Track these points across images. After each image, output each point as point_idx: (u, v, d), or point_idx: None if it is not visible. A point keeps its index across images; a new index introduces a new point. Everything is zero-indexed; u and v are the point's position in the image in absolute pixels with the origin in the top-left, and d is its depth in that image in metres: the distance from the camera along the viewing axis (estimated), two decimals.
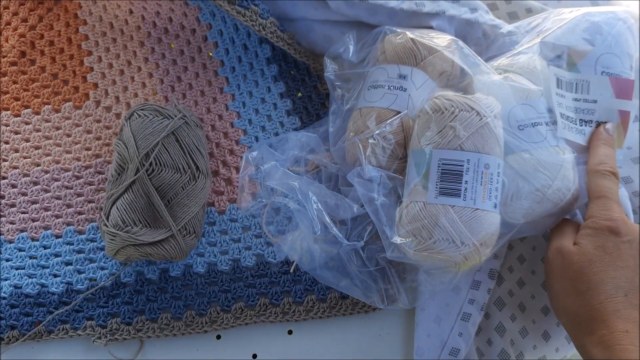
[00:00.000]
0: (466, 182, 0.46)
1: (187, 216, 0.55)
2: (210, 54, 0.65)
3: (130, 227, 0.53)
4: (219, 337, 0.56)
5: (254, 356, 0.55)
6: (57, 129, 0.63)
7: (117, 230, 0.53)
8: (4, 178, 0.61)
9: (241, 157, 0.61)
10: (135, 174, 0.54)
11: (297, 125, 0.62)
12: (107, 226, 0.54)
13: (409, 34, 0.54)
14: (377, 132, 0.51)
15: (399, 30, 0.56)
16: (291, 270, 0.56)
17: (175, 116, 0.57)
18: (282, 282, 0.56)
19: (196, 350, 0.55)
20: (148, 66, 0.65)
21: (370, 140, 0.51)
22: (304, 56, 0.63)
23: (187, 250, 0.55)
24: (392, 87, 0.53)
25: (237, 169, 0.61)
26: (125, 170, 0.56)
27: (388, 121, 0.52)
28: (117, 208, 0.54)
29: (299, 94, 0.63)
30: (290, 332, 0.56)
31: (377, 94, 0.54)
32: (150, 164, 0.54)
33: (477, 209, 0.46)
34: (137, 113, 0.57)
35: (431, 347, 0.53)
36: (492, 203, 0.47)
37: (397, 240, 0.47)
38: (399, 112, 0.52)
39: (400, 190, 0.50)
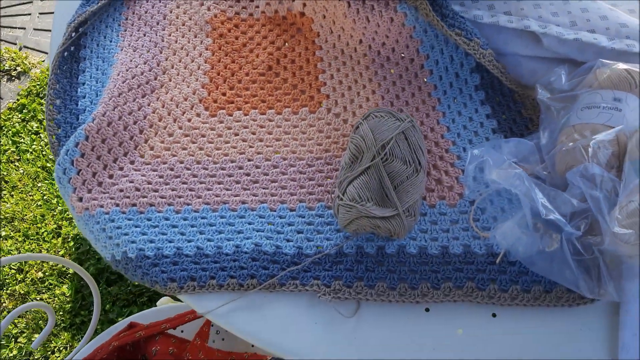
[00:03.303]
0: None
1: (410, 201, 0.64)
2: (425, 80, 0.77)
3: (364, 202, 0.63)
4: (427, 310, 0.63)
5: (460, 331, 0.61)
6: (295, 127, 0.76)
7: (354, 203, 0.63)
8: (250, 160, 0.73)
9: (450, 163, 0.70)
10: (372, 160, 0.64)
11: None
12: (343, 200, 0.64)
13: (622, 65, 0.63)
14: (598, 138, 0.58)
15: (610, 62, 0.64)
16: (497, 261, 0.63)
17: (405, 119, 0.67)
18: (488, 271, 0.63)
19: (407, 318, 0.62)
20: (372, 85, 0.77)
21: (592, 143, 0.58)
22: (513, 84, 0.72)
23: (408, 228, 0.63)
24: (606, 108, 0.61)
25: (446, 172, 0.70)
26: (359, 159, 0.66)
27: (605, 132, 0.59)
28: (353, 186, 0.64)
29: (504, 116, 0.72)
30: (494, 315, 0.62)
31: (592, 114, 0.62)
32: (385, 154, 0.64)
33: None
34: (373, 115, 0.68)
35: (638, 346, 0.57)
36: None
37: (618, 230, 0.53)
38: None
39: (617, 189, 0.56)
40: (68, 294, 1.71)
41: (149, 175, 0.73)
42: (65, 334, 1.66)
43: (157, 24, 0.86)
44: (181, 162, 0.74)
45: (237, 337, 1.05)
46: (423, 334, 0.61)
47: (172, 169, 0.73)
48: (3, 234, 1.83)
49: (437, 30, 0.73)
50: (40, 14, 2.44)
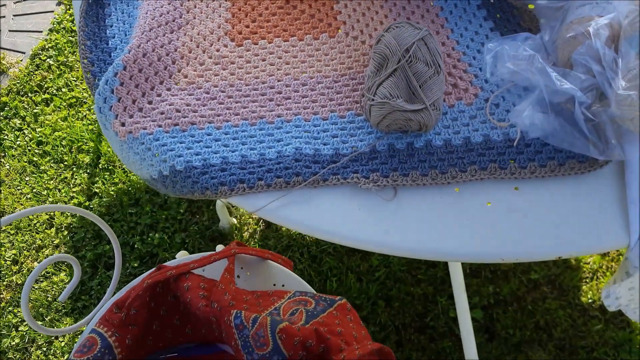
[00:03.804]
0: None
1: (434, 97, 0.71)
2: (432, 3, 0.85)
3: (395, 99, 0.70)
4: (457, 189, 0.70)
5: (488, 204, 0.68)
6: (317, 50, 0.83)
7: (386, 100, 0.70)
8: (279, 80, 0.80)
9: (463, 70, 0.78)
10: (398, 63, 0.72)
11: None
12: (374, 100, 0.71)
13: None
14: (597, 22, 0.67)
15: None
16: (515, 144, 0.71)
17: (423, 28, 0.75)
18: (507, 153, 0.71)
19: (440, 197, 0.69)
20: (384, 11, 0.85)
21: (592, 25, 0.66)
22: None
23: (434, 120, 0.71)
24: (599, 2, 0.70)
25: (461, 78, 0.78)
26: (385, 66, 0.73)
27: (602, 18, 0.68)
28: (383, 87, 0.71)
29: (505, 29, 0.81)
30: (516, 189, 0.69)
31: (587, 9, 0.71)
32: (409, 56, 0.72)
33: None
34: (393, 26, 0.75)
35: None
36: None
37: (621, 92, 0.62)
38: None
39: (617, 62, 0.65)
40: (67, 281, 1.72)
41: (187, 99, 0.78)
42: (68, 319, 1.66)
43: None
44: (215, 86, 0.80)
45: (258, 278, 1.10)
46: (456, 210, 0.68)
47: (207, 93, 0.79)
48: None
49: None
50: (14, 15, 2.45)
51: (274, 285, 1.10)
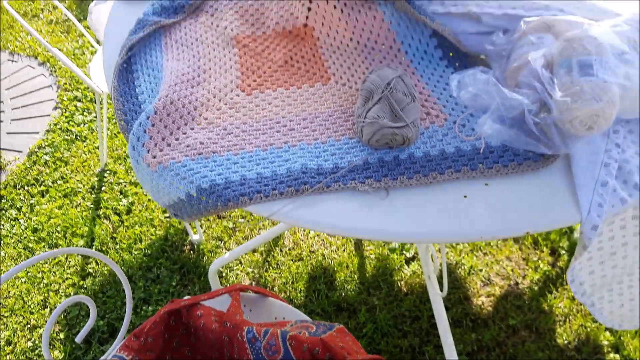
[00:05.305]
0: (596, 69, 0.80)
1: (413, 117, 0.89)
2: (403, 58, 1.05)
3: (382, 119, 0.87)
4: (438, 188, 0.85)
5: (465, 197, 0.83)
6: (313, 94, 1.01)
7: (374, 120, 0.87)
8: (284, 117, 0.96)
9: (433, 102, 0.96)
10: (382, 93, 0.90)
11: None
12: (365, 122, 0.88)
13: (539, 17, 0.93)
14: (535, 53, 0.86)
15: (532, 18, 0.95)
16: (481, 151, 0.87)
17: (399, 69, 0.94)
18: (476, 159, 0.87)
19: (424, 194, 0.84)
20: (365, 64, 1.05)
21: (530, 55, 0.86)
22: (466, 50, 1.02)
23: (415, 135, 0.87)
24: (535, 43, 0.90)
25: (432, 108, 0.96)
26: (371, 97, 0.91)
27: (538, 51, 0.88)
28: (372, 111, 0.88)
29: (457, 64, 1.01)
30: (486, 184, 0.85)
31: (525, 48, 0.91)
32: (391, 88, 0.90)
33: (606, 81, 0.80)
34: (376, 69, 0.94)
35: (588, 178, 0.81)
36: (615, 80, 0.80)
37: (560, 99, 0.80)
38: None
39: (553, 80, 0.84)
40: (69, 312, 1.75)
41: (208, 135, 0.94)
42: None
43: (192, 44, 1.11)
44: (231, 125, 0.96)
45: (260, 313, 1.20)
46: (438, 203, 0.83)
47: (225, 129, 0.95)
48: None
49: (408, 22, 1.03)
50: (12, 120, 2.62)
51: (275, 318, 1.19)
